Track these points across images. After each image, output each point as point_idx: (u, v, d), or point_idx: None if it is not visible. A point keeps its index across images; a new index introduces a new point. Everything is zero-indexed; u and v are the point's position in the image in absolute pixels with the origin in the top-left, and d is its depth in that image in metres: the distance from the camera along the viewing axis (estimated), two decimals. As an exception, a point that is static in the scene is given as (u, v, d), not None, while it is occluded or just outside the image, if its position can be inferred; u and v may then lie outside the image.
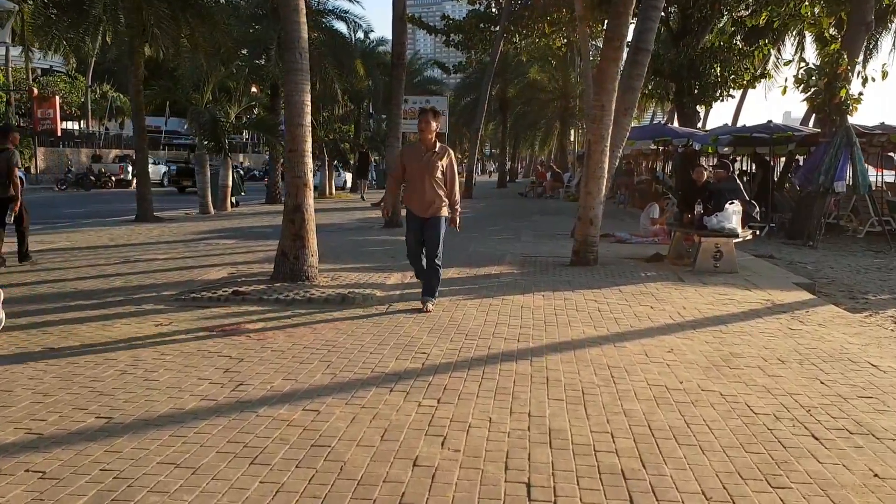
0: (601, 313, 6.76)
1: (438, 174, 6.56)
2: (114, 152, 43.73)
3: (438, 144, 6.67)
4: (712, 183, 10.58)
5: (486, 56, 31.71)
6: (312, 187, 7.97)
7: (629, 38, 11.49)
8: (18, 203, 9.18)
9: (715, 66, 24.78)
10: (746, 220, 9.98)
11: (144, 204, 16.63)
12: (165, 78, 21.39)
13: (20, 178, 9.53)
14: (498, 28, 29.37)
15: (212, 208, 20.04)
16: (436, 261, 6.67)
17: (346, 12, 24.96)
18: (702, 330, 6.17)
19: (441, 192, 6.60)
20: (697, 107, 26.22)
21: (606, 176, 9.81)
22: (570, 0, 27.31)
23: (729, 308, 7.18)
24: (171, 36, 16.01)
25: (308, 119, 7.88)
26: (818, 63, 16.05)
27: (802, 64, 15.93)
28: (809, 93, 15.52)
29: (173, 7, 15.68)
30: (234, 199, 22.02)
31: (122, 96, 46.40)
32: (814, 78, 15.24)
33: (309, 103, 7.91)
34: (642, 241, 12.94)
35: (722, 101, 26.98)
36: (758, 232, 10.64)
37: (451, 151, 6.77)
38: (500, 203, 25.89)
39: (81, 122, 51.07)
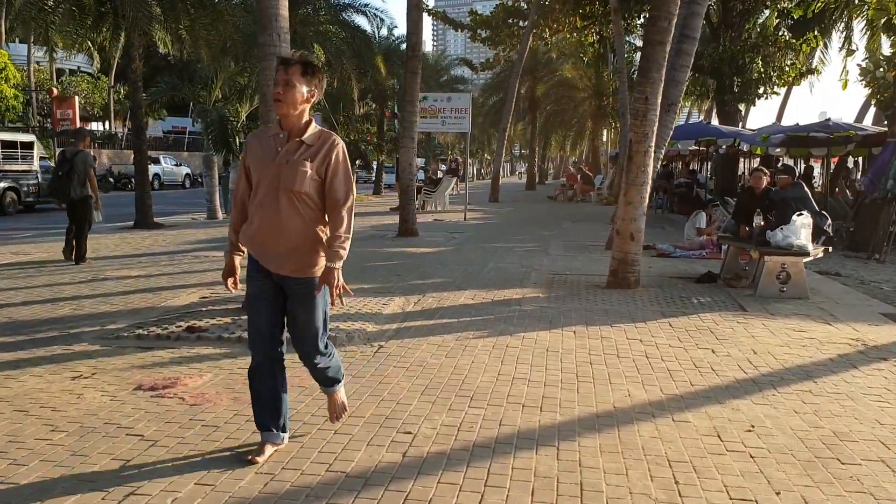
0: (650, 361, 5.27)
1: (306, 187, 3.26)
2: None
3: (312, 128, 3.35)
4: (775, 190, 9.01)
5: (514, 53, 30.28)
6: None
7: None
8: (97, 202, 10.01)
9: (758, 60, 23.19)
10: (817, 234, 8.39)
11: (143, 209, 15.44)
12: (174, 75, 20.21)
13: None
14: (527, 23, 27.92)
15: (220, 213, 18.84)
16: (318, 360, 3.52)
17: (366, 5, 23.58)
18: (785, 389, 4.65)
19: (315, 226, 3.33)
20: (739, 104, 24.61)
21: (650, 181, 8.29)
22: (604, -8, 25.90)
23: (810, 352, 5.64)
24: (170, 27, 14.78)
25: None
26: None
27: (867, 54, 14.13)
28: (875, 86, 13.83)
29: (172, -5, 14.49)
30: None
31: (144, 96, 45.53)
32: (881, 69, 13.56)
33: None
34: (688, 255, 11.39)
35: (766, 98, 25.38)
36: (829, 248, 9.02)
37: (339, 141, 3.39)
38: (528, 208, 24.37)
39: (105, 122, 50.53)
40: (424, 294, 7.77)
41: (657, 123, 8.21)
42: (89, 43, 20.30)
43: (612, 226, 12.37)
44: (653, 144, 8.10)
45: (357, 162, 29.24)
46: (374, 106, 33.42)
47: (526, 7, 28.64)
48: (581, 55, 33.40)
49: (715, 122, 25.80)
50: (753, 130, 19.48)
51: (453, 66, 44.13)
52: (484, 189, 32.27)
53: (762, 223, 8.81)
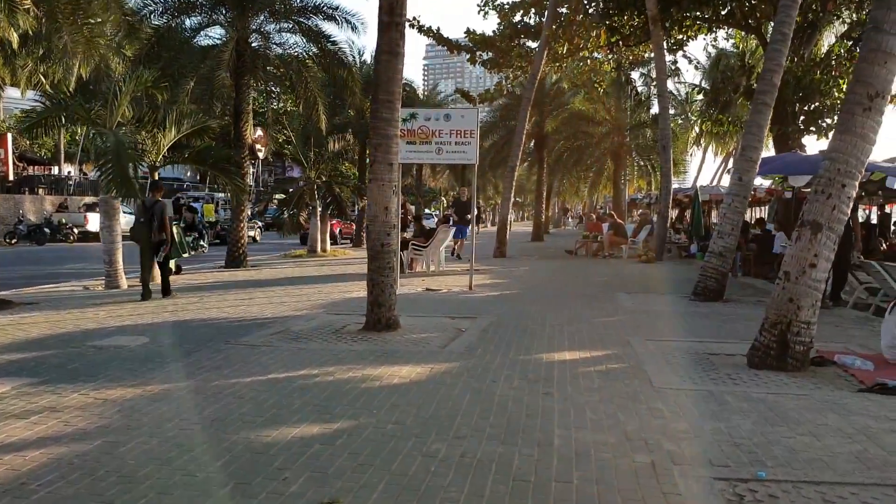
0: None
1: None
2: (86, 199, 37.02)
3: None
4: None
5: (518, 85, 25.17)
6: None
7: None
8: (168, 246, 11.30)
9: (830, 84, 18.09)
10: None
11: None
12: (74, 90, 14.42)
13: None
14: (539, 42, 22.77)
15: (124, 281, 13.08)
16: None
17: (335, 8, 18.21)
18: None
19: None
20: (803, 137, 19.45)
21: None
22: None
23: None
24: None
25: None
26: None
27: None
28: None
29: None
30: (173, 264, 15.07)
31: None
32: None
33: None
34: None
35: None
36: None
37: None
38: (547, 266, 18.72)
39: (56, 166, 44.85)
40: None
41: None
42: (41, 77, 14.89)
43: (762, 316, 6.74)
44: None
45: (330, 209, 23.68)
46: (352, 141, 28.02)
47: (535, 24, 23.50)
48: (596, 84, 28.26)
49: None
50: None
51: (446, 103, 39.11)
52: (485, 240, 26.73)
53: None
